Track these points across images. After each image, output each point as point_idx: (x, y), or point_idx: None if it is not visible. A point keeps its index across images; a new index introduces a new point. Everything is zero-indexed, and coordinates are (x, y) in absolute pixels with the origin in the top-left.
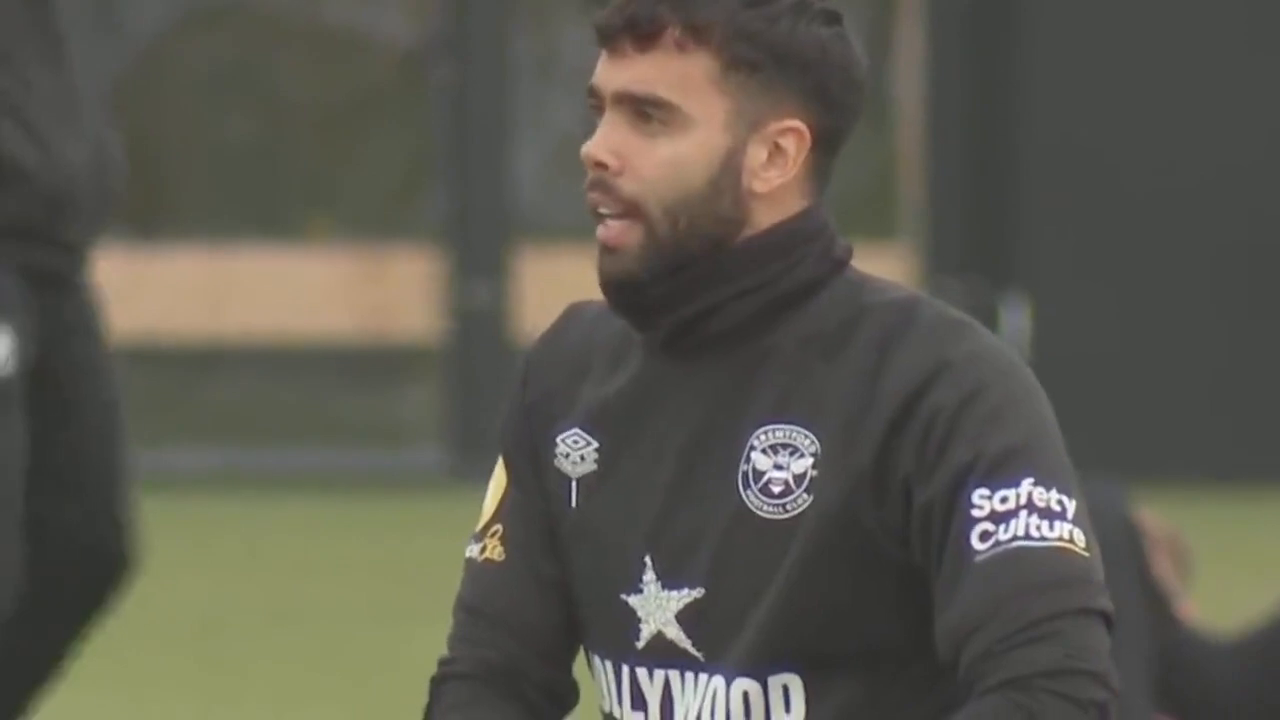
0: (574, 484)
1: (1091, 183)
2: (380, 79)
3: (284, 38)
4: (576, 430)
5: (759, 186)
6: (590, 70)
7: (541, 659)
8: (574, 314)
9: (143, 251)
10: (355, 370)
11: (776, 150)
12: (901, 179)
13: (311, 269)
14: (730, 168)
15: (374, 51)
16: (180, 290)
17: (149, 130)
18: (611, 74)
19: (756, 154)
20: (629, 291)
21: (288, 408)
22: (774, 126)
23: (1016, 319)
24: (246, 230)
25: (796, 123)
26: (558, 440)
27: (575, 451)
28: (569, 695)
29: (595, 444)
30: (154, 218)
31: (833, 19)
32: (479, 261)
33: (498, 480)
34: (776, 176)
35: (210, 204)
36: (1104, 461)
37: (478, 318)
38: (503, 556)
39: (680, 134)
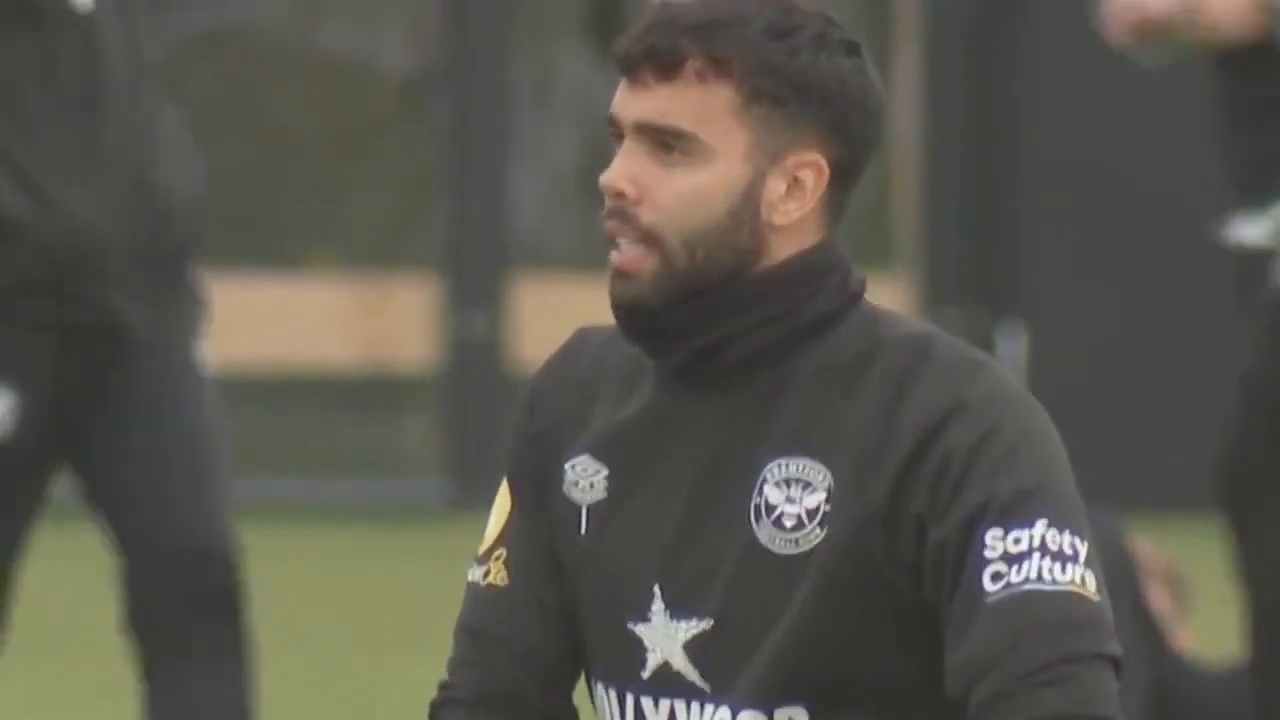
0: (584, 511)
1: (1090, 211)
2: (379, 108)
3: (282, 66)
4: (586, 457)
5: (777, 219)
6: (589, 100)
7: (541, 685)
8: (582, 339)
9: None
10: (354, 400)
11: (795, 183)
12: (898, 207)
13: (310, 298)
14: (749, 200)
15: (373, 80)
16: None
17: None
18: (631, 103)
19: (775, 186)
20: (640, 317)
21: (286, 438)
22: (793, 159)
23: (1013, 348)
24: (244, 259)
25: (815, 156)
26: (566, 467)
27: (585, 479)
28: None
29: (605, 471)
30: None
31: (853, 50)
32: (476, 291)
33: (501, 504)
34: (795, 209)
35: (208, 234)
36: (1101, 492)
37: (474, 347)
38: (505, 581)
39: (700, 165)
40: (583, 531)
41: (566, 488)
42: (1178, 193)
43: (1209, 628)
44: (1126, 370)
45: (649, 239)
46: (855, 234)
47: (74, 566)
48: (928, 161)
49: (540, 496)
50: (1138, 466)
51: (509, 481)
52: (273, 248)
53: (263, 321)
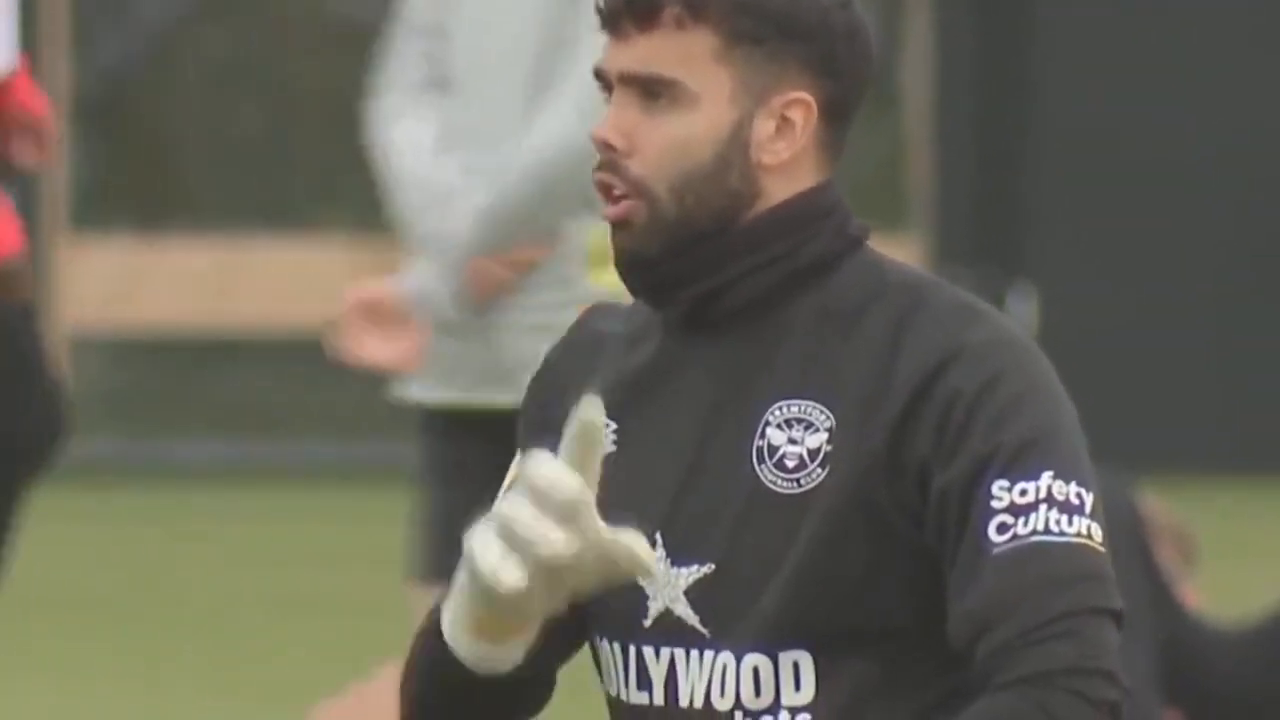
0: None
1: (1099, 173)
2: None
3: (293, 30)
4: None
5: (768, 159)
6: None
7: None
8: (594, 311)
9: (152, 243)
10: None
11: (784, 122)
12: (910, 168)
13: (321, 260)
14: (738, 142)
15: (383, 43)
16: (189, 282)
17: (159, 122)
18: (615, 56)
19: (764, 127)
20: (643, 268)
21: (297, 399)
22: (780, 99)
23: (1023, 308)
24: (256, 222)
25: (802, 94)
26: None
27: None
28: (540, 686)
29: (614, 425)
30: (163, 209)
31: None
32: None
33: (512, 472)
34: (785, 149)
35: (220, 196)
36: (1110, 452)
37: None
38: None
39: (686, 111)
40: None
41: None
42: (1188, 155)
43: (1214, 587)
44: (1135, 330)
45: (638, 190)
46: (867, 195)
47: (81, 527)
48: (939, 123)
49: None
50: (1146, 426)
51: (519, 445)
52: (285, 210)
53: (275, 283)
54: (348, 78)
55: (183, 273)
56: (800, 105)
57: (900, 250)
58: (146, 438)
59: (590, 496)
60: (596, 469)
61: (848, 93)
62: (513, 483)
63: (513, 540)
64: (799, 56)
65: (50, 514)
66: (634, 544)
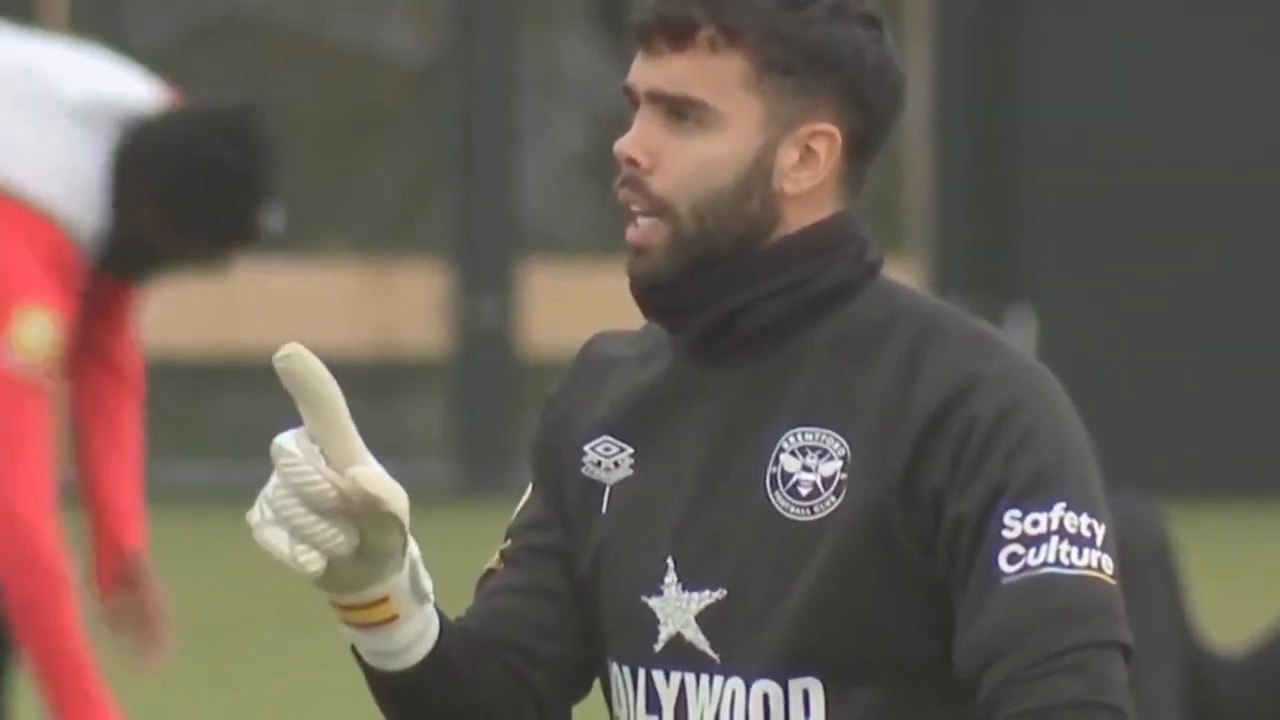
0: (608, 490)
1: (1097, 198)
2: (387, 94)
3: (290, 53)
4: (606, 437)
5: (789, 188)
6: (595, 85)
7: (518, 651)
8: (598, 338)
9: None
10: (363, 385)
11: (808, 152)
12: (907, 193)
13: (320, 284)
14: (761, 168)
15: (380, 67)
16: (188, 305)
17: None
18: (645, 72)
19: (788, 155)
20: (657, 292)
21: (296, 422)
22: (806, 129)
23: (1020, 333)
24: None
25: (828, 126)
26: (586, 449)
27: (608, 458)
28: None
29: (630, 449)
30: None
31: (871, 22)
32: (485, 276)
33: (526, 495)
34: (807, 179)
35: None
36: (1107, 476)
37: (484, 333)
38: (502, 565)
39: (713, 133)
40: (604, 510)
41: (588, 468)
42: (1185, 179)
43: (1207, 610)
44: (1131, 355)
45: (659, 207)
46: (865, 219)
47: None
48: (937, 148)
49: (558, 486)
50: (1144, 452)
51: (533, 479)
52: (284, 234)
53: (272, 306)
54: (344, 102)
55: (182, 297)
56: (825, 137)
57: (898, 275)
58: (147, 460)
59: (335, 442)
60: (327, 405)
61: (874, 126)
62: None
63: (295, 534)
64: (828, 88)
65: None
66: (366, 484)
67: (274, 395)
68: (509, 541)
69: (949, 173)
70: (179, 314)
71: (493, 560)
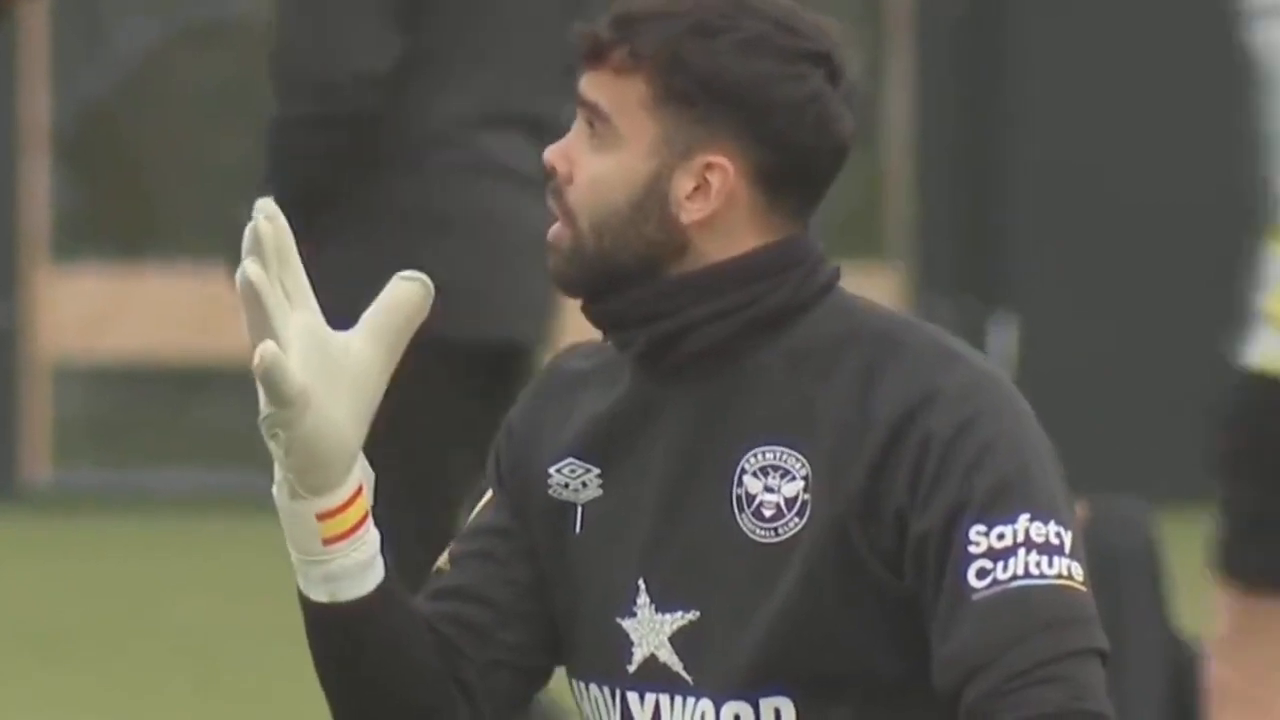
0: (579, 510)
1: (1080, 203)
2: None
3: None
4: (571, 460)
5: (684, 216)
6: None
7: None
8: (565, 351)
9: (132, 272)
10: None
11: (704, 182)
12: (891, 199)
13: None
14: (654, 193)
15: None
16: (170, 311)
17: (139, 150)
18: (580, 82)
19: (682, 183)
20: (567, 291)
21: None
22: (701, 159)
23: (1004, 339)
24: (235, 251)
25: (721, 158)
26: (551, 471)
27: (575, 479)
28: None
29: (596, 470)
30: (144, 238)
31: (798, 56)
32: None
33: (481, 501)
34: (698, 210)
35: (200, 224)
36: (1091, 481)
37: None
38: (449, 566)
39: (610, 150)
40: (578, 530)
41: (555, 490)
42: (1166, 185)
43: (1194, 614)
44: (1115, 360)
45: (568, 217)
46: (848, 226)
47: (60, 556)
48: (920, 155)
49: (522, 505)
50: (1127, 455)
51: (491, 486)
52: None
53: None
54: None
55: (163, 302)
56: (719, 169)
57: (881, 281)
58: (127, 467)
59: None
60: (280, 257)
61: (785, 161)
62: (480, 508)
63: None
64: (728, 121)
65: (29, 543)
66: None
67: (254, 401)
68: (460, 544)
69: (932, 178)
70: (159, 319)
71: (442, 560)
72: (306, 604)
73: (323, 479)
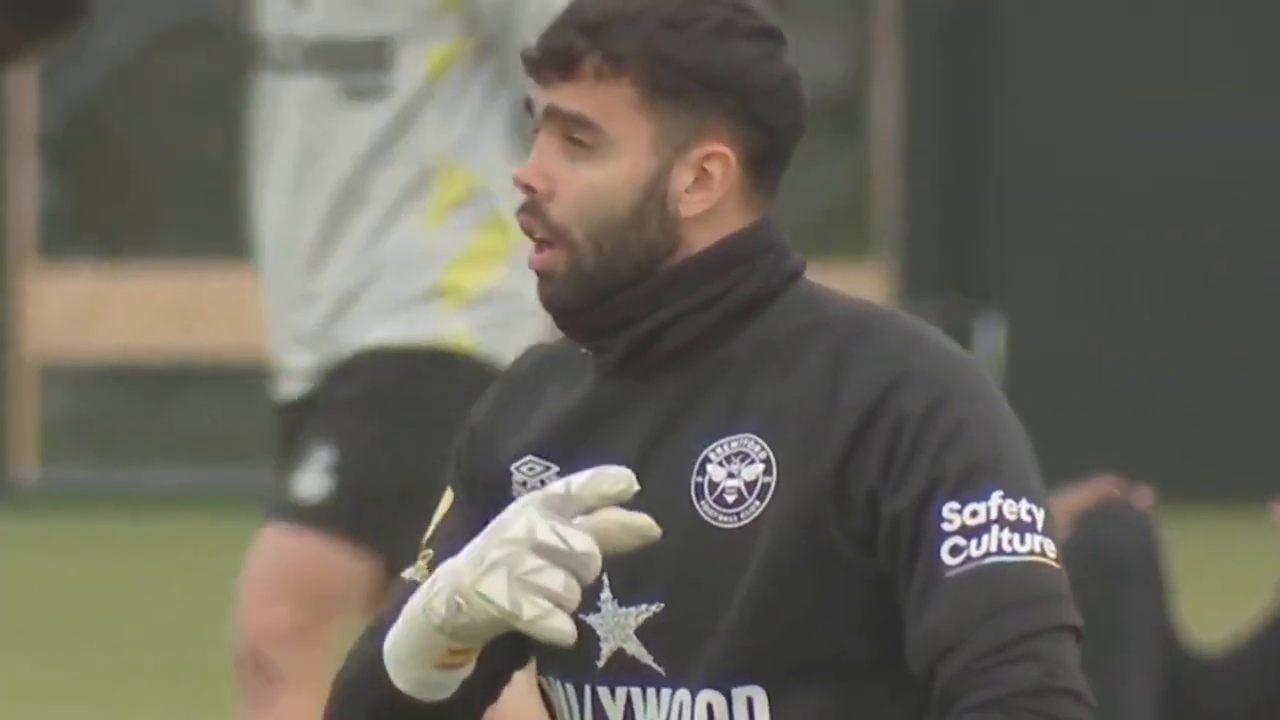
0: None
1: (1067, 202)
2: None
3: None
4: (530, 458)
5: (685, 210)
6: None
7: None
8: (527, 352)
9: (115, 270)
10: None
11: (703, 174)
12: (877, 197)
13: None
14: (655, 193)
15: None
16: (152, 309)
17: (124, 151)
18: (541, 97)
19: (681, 178)
20: (568, 317)
21: (261, 426)
22: (699, 150)
23: (991, 337)
24: (218, 249)
25: (720, 147)
26: (512, 469)
27: (533, 477)
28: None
29: (555, 467)
30: (129, 238)
31: (762, 35)
32: None
33: (443, 504)
34: (702, 201)
35: (182, 222)
36: (1079, 479)
37: None
38: (425, 578)
39: (605, 158)
40: None
41: (516, 489)
42: (1154, 184)
43: (1183, 615)
44: (1102, 358)
45: (557, 234)
46: (834, 223)
47: (46, 554)
48: (906, 153)
49: (484, 503)
50: (1114, 453)
51: (451, 487)
52: (250, 238)
53: (241, 310)
54: None
55: (149, 300)
56: (719, 158)
57: (867, 279)
58: (112, 465)
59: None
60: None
61: (772, 141)
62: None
63: (557, 600)
64: (718, 109)
65: (15, 541)
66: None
67: (240, 399)
68: (431, 551)
69: (918, 176)
70: (145, 318)
71: (415, 570)
72: (383, 678)
73: (477, 641)
